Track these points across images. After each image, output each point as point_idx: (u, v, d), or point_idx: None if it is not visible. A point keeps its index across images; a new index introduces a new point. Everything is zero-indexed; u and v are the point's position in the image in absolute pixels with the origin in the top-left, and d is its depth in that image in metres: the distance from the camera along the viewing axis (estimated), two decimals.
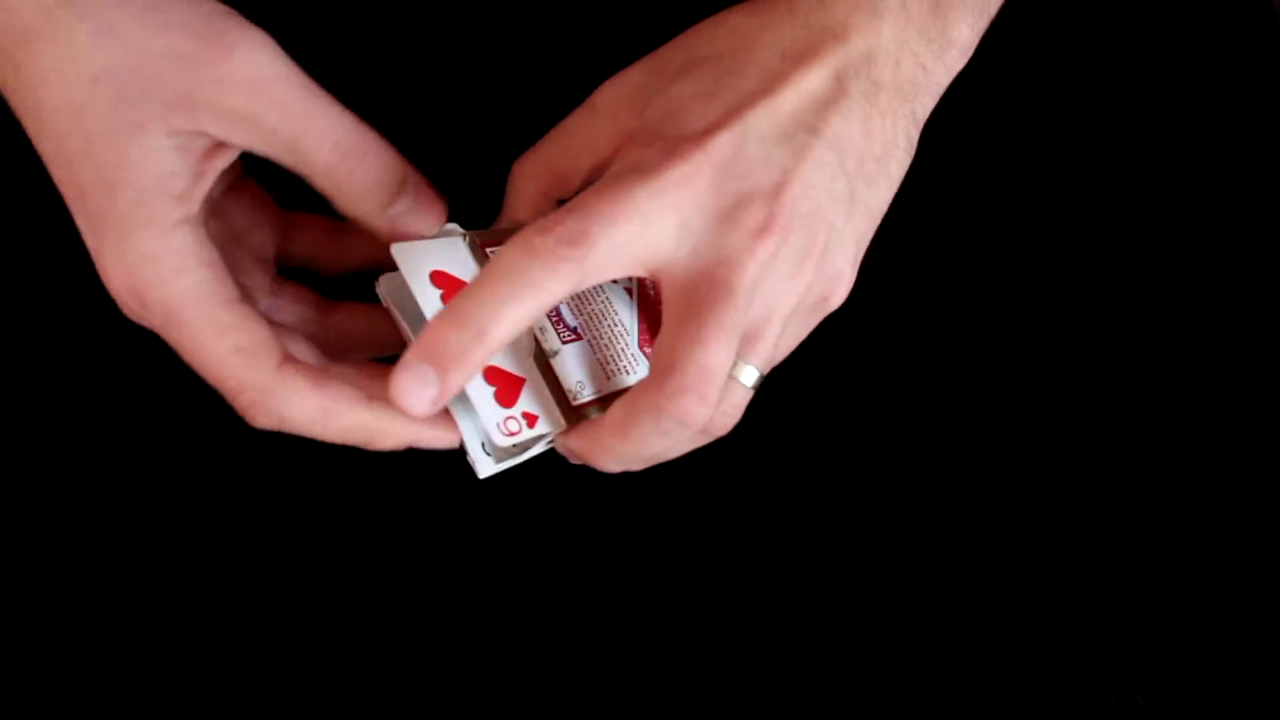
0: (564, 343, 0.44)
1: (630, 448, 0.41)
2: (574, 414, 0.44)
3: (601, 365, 0.46)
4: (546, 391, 0.43)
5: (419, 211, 0.42)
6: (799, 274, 0.41)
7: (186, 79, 0.38)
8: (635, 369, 0.46)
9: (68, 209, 0.40)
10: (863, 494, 0.52)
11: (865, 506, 0.52)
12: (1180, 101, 0.58)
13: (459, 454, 0.50)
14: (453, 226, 0.44)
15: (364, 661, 0.50)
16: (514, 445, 0.43)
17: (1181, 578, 0.52)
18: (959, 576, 0.52)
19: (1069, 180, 0.57)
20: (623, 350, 0.46)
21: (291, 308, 0.46)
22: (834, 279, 0.43)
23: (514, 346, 0.43)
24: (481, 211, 0.49)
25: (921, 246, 0.55)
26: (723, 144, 0.40)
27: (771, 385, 0.53)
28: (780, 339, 0.42)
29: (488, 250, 0.44)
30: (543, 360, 0.44)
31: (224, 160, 0.41)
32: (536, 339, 0.44)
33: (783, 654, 0.51)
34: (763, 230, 0.40)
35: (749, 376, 0.42)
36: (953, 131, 0.57)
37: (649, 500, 0.52)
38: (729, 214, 0.40)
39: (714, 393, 0.39)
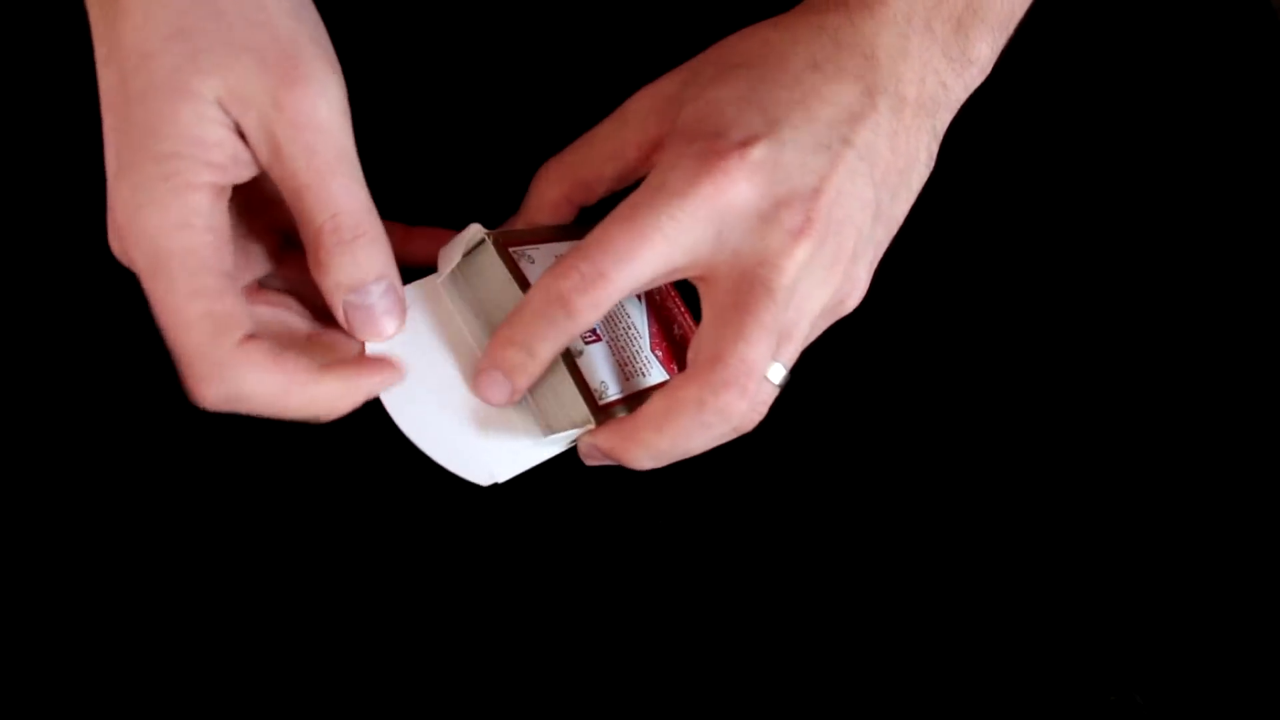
0: (586, 343, 0.45)
1: (668, 441, 0.43)
2: (601, 413, 0.44)
3: (620, 366, 0.46)
4: (575, 390, 0.44)
5: (373, 314, 0.42)
6: (830, 277, 0.43)
7: (250, 80, 0.39)
8: (650, 371, 0.46)
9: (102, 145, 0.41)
10: (863, 495, 0.52)
11: (866, 507, 0.52)
12: (1180, 101, 0.58)
13: None
14: (476, 227, 0.45)
15: (364, 661, 0.50)
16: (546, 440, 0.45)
17: (1181, 578, 0.52)
18: (959, 576, 0.52)
19: (1069, 180, 0.57)
20: (638, 352, 0.46)
21: (292, 273, 0.46)
22: (853, 283, 0.44)
23: None
24: (498, 210, 0.50)
25: (922, 247, 0.55)
26: (761, 153, 0.41)
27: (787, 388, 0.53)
28: (806, 340, 0.44)
29: (510, 249, 0.45)
30: (569, 360, 0.44)
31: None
32: None
33: (783, 654, 0.51)
34: (800, 232, 0.41)
35: (776, 374, 0.43)
36: (953, 131, 0.57)
37: (648, 500, 0.52)
38: (768, 216, 0.41)
39: (755, 387, 0.41)
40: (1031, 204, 0.56)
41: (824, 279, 0.43)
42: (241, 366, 0.39)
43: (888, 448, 0.53)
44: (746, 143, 0.41)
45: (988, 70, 0.46)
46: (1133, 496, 0.53)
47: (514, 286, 0.44)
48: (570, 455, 0.48)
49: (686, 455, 0.44)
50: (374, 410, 0.52)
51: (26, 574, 0.50)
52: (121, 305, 0.52)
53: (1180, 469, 0.53)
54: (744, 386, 0.41)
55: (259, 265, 0.45)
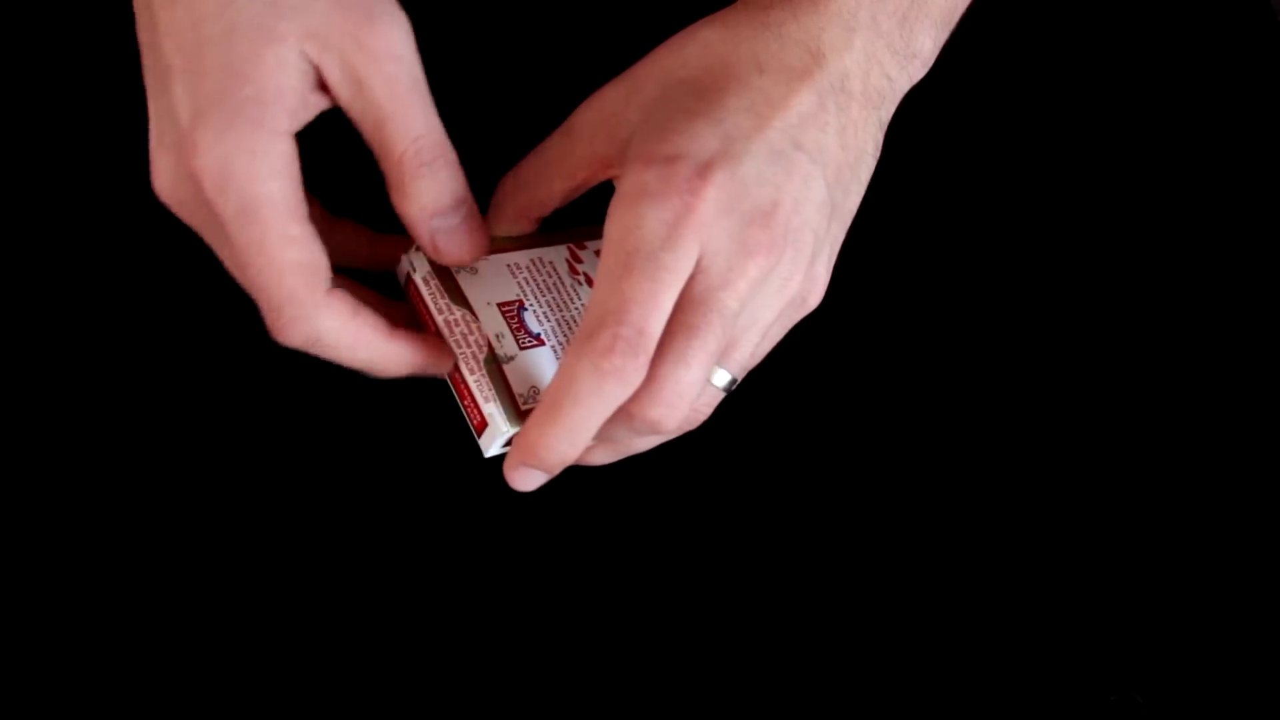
0: (522, 348, 0.46)
1: (605, 453, 0.44)
2: (521, 418, 0.45)
3: None
4: (502, 397, 0.44)
5: (458, 236, 0.44)
6: (786, 286, 0.43)
7: (330, 20, 0.40)
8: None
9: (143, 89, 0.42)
10: (862, 494, 0.52)
11: (865, 507, 0.52)
12: (1180, 101, 0.58)
13: (458, 450, 0.51)
14: (407, 257, 0.46)
15: (363, 660, 0.50)
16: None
17: (1181, 578, 0.52)
18: (958, 576, 0.52)
19: (1069, 179, 0.57)
20: None
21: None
22: (814, 282, 0.44)
23: (470, 355, 0.45)
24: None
25: (922, 247, 0.55)
26: (723, 176, 0.41)
27: (768, 386, 0.53)
28: (759, 346, 0.44)
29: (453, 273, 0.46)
30: (495, 366, 0.45)
31: (328, 102, 0.42)
32: (491, 346, 0.45)
33: (782, 654, 0.51)
34: (758, 251, 0.41)
35: (721, 379, 0.44)
36: (954, 131, 0.57)
37: (648, 499, 0.52)
38: (732, 233, 0.41)
39: (687, 406, 0.41)
40: (1032, 204, 0.56)
41: (780, 288, 0.43)
42: (325, 314, 0.41)
43: (887, 447, 0.53)
44: (708, 165, 0.41)
45: (929, 64, 0.46)
46: (1133, 496, 0.53)
47: (458, 297, 0.46)
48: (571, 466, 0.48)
49: (630, 453, 0.46)
50: (374, 410, 0.52)
51: (26, 574, 0.50)
52: (122, 304, 0.53)
53: (1180, 469, 0.53)
54: (676, 407, 0.41)
55: None
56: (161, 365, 0.52)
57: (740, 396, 0.52)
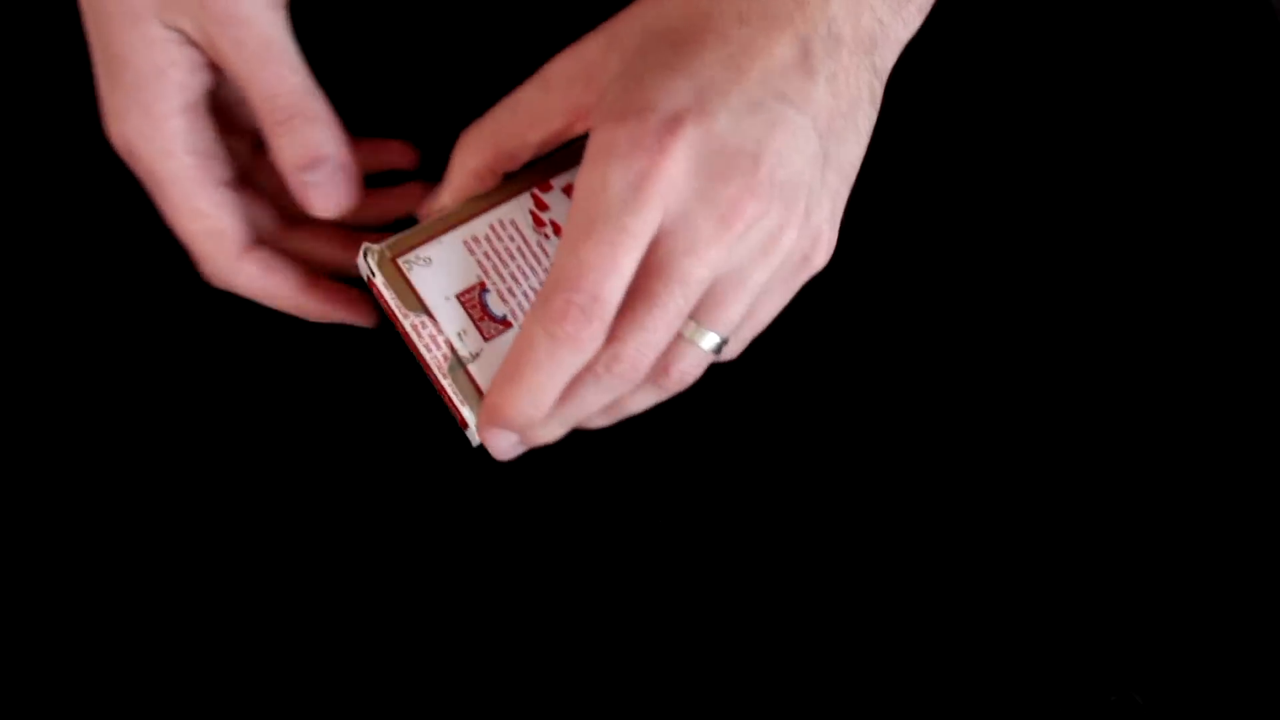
0: (487, 339, 0.45)
1: (574, 410, 0.43)
2: None
3: None
4: (474, 402, 0.44)
5: (325, 189, 0.45)
6: (775, 244, 0.41)
7: None
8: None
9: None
10: (863, 494, 0.52)
11: (865, 506, 0.52)
12: (1180, 101, 0.58)
13: (456, 446, 0.51)
14: (363, 249, 0.45)
15: (363, 658, 0.50)
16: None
17: (1181, 578, 0.52)
18: (958, 576, 0.52)
19: (1070, 179, 0.57)
20: None
21: (267, 173, 0.48)
22: (814, 239, 0.43)
23: (436, 362, 0.44)
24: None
25: (924, 247, 0.55)
26: (698, 129, 0.40)
27: (768, 382, 0.53)
28: (758, 308, 0.43)
29: (399, 261, 0.45)
30: (460, 371, 0.44)
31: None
32: (453, 348, 0.44)
33: (782, 654, 0.51)
34: (734, 212, 0.40)
35: (708, 341, 0.42)
36: (954, 131, 0.57)
37: (647, 498, 0.52)
38: (704, 194, 0.40)
39: (647, 364, 0.41)
40: (1032, 204, 0.56)
41: (766, 246, 0.41)
42: (238, 274, 0.46)
43: (888, 447, 0.53)
44: (677, 119, 0.39)
45: (926, 10, 0.45)
46: (1133, 496, 0.53)
47: (411, 301, 0.45)
48: (568, 457, 0.49)
49: (620, 414, 0.45)
50: (375, 409, 0.52)
51: (26, 574, 0.50)
52: (121, 303, 0.53)
53: (1180, 469, 0.53)
54: (636, 365, 0.41)
55: (241, 159, 0.48)
56: (161, 362, 0.52)
57: (740, 393, 0.52)
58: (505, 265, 0.46)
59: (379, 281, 0.44)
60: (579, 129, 0.43)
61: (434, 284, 0.45)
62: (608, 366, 0.41)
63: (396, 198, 0.50)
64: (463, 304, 0.45)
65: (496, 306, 0.45)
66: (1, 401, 0.51)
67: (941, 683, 0.51)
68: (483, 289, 0.45)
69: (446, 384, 0.44)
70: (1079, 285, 0.55)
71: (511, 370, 0.41)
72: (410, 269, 0.44)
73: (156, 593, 0.50)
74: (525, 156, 0.45)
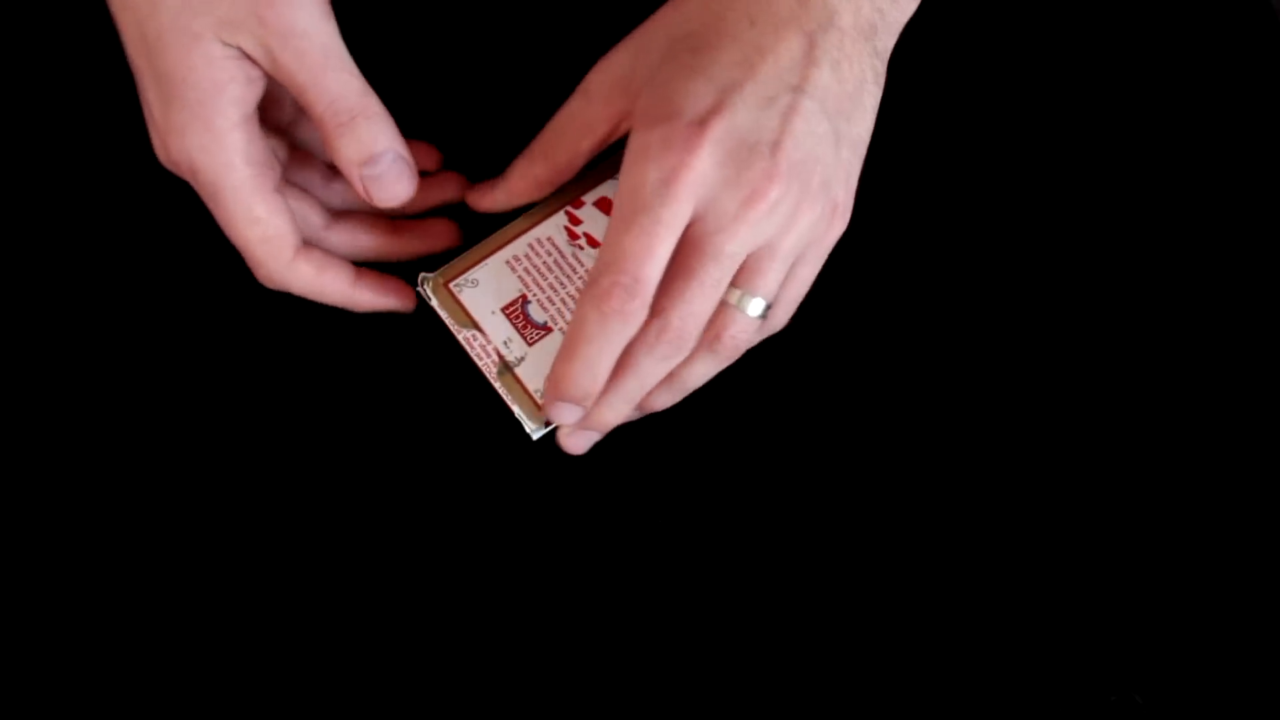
0: (531, 344, 0.50)
1: (635, 381, 0.48)
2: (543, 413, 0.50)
3: None
4: (522, 400, 0.50)
5: (385, 182, 0.48)
6: (798, 214, 0.46)
7: (236, 7, 0.45)
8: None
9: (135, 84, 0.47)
10: (863, 493, 0.52)
11: (865, 506, 0.52)
12: (1180, 101, 0.58)
13: (462, 446, 0.51)
14: (421, 279, 0.51)
15: (363, 657, 0.50)
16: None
17: (1181, 578, 0.52)
18: (958, 576, 0.52)
19: (1070, 179, 0.57)
20: None
21: (304, 172, 0.52)
22: (833, 208, 0.48)
23: (488, 368, 0.50)
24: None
25: (924, 248, 0.55)
26: (718, 128, 0.45)
27: (769, 383, 0.53)
28: (795, 274, 0.48)
29: (450, 285, 0.50)
30: (508, 374, 0.50)
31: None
32: (501, 355, 0.49)
33: (782, 654, 0.51)
34: (758, 192, 0.45)
35: (755, 308, 0.47)
36: (954, 131, 0.57)
37: (648, 497, 0.52)
38: (730, 181, 0.45)
39: (695, 331, 0.46)
40: (1033, 204, 0.56)
41: (790, 217, 0.46)
42: (291, 275, 0.49)
43: (888, 447, 0.53)
44: (703, 120, 0.45)
45: None
46: (1133, 496, 0.53)
47: (462, 318, 0.50)
48: (564, 454, 0.50)
49: (684, 389, 0.50)
50: (374, 409, 0.52)
51: (26, 574, 0.50)
52: (121, 302, 0.53)
53: (1180, 469, 0.53)
54: (683, 333, 0.46)
55: (282, 155, 0.51)
56: (163, 359, 0.52)
57: (740, 392, 0.52)
58: (544, 277, 0.51)
59: (435, 303, 0.50)
60: (623, 130, 0.48)
61: (481, 301, 0.50)
62: (659, 335, 0.46)
63: (436, 187, 0.53)
64: (507, 316, 0.50)
65: (538, 314, 0.50)
66: (31, 398, 0.51)
67: (941, 683, 0.51)
68: (525, 300, 0.51)
69: (498, 386, 0.50)
70: (1079, 284, 0.55)
71: (569, 346, 0.46)
72: (460, 291, 0.51)
73: (158, 593, 0.50)
74: (579, 164, 0.50)
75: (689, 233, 0.46)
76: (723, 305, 0.47)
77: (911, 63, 0.54)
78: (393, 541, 0.51)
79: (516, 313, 0.50)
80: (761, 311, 0.47)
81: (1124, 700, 0.51)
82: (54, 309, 0.52)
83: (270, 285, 0.49)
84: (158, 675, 0.49)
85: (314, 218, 0.51)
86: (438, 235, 0.53)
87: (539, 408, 0.49)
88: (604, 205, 0.52)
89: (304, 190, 0.51)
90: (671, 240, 0.45)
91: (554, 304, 0.50)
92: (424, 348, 0.52)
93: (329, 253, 0.50)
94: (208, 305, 0.53)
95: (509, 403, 0.50)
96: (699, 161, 0.44)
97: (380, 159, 0.47)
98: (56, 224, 0.53)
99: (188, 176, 0.47)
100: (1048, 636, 0.51)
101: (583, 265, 0.51)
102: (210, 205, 0.47)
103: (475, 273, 0.51)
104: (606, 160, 0.51)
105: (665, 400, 0.50)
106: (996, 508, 0.52)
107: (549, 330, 0.50)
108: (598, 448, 0.50)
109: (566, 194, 0.52)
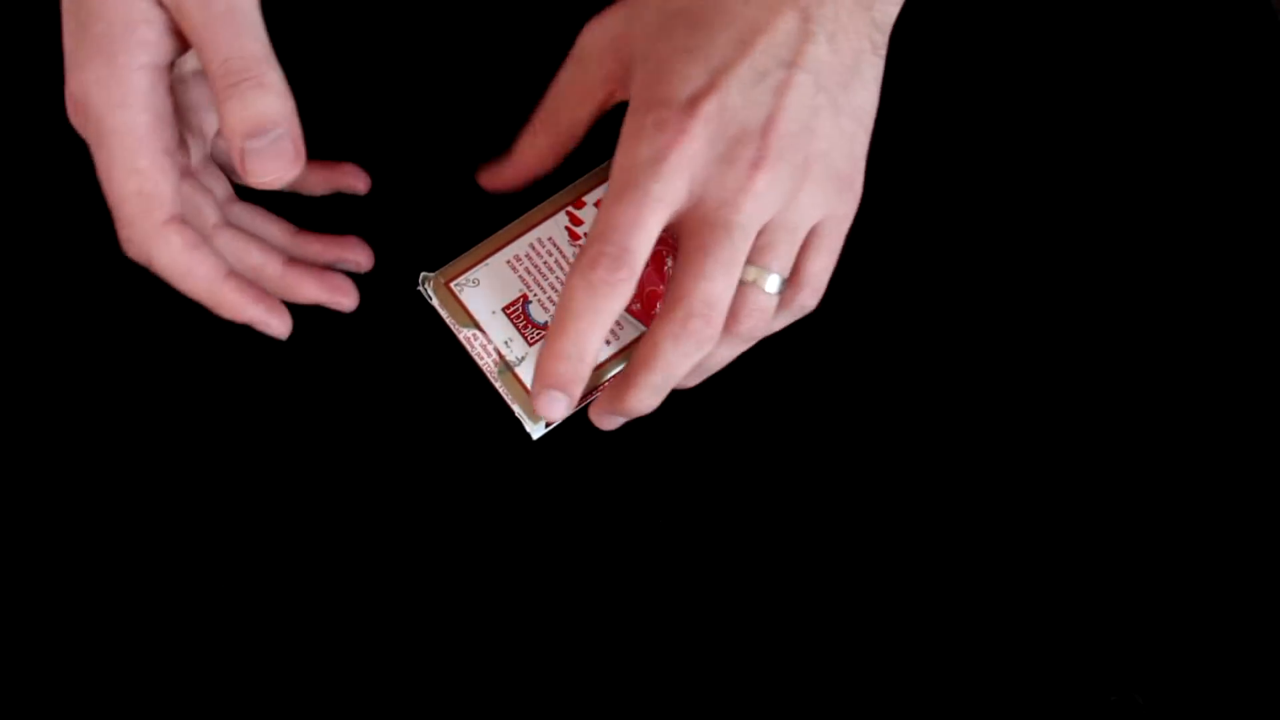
0: (531, 344, 0.50)
1: (661, 374, 0.46)
2: None
3: None
4: (523, 400, 0.49)
5: (264, 158, 0.44)
6: (801, 186, 0.46)
7: None
8: (621, 333, 0.50)
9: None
10: (863, 493, 0.52)
11: (866, 505, 0.52)
12: (1180, 101, 0.58)
13: (462, 446, 0.51)
14: (421, 278, 0.50)
15: (363, 657, 0.50)
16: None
17: (1181, 578, 0.52)
18: (958, 576, 0.52)
19: (1070, 179, 0.57)
20: None
21: (218, 183, 0.51)
22: (837, 178, 0.47)
23: (489, 368, 0.50)
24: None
25: (924, 248, 0.55)
26: (712, 107, 0.45)
27: (769, 383, 0.53)
28: (817, 252, 0.47)
29: (451, 285, 0.50)
30: (509, 374, 0.49)
31: None
32: (501, 354, 0.49)
33: (782, 654, 0.51)
34: (755, 165, 0.45)
35: (772, 284, 0.47)
36: (954, 131, 0.57)
37: (647, 497, 0.52)
38: (725, 157, 0.45)
39: (719, 315, 0.45)
40: (1033, 204, 0.56)
41: (793, 190, 0.46)
42: (158, 244, 0.45)
43: (888, 447, 0.53)
44: (695, 100, 0.45)
45: None
46: (1133, 496, 0.53)
47: (463, 317, 0.50)
48: (564, 454, 0.51)
49: (705, 373, 0.49)
50: (374, 408, 0.52)
51: (26, 574, 0.50)
52: (121, 303, 0.52)
53: (1180, 469, 0.53)
54: (707, 317, 0.45)
55: (195, 154, 0.49)
56: (163, 359, 0.52)
57: (740, 392, 0.52)
58: (545, 277, 0.51)
59: (436, 303, 0.50)
60: (619, 97, 0.48)
61: (482, 301, 0.50)
62: (683, 324, 0.45)
63: (334, 172, 0.52)
64: (508, 316, 0.50)
65: (538, 314, 0.50)
66: (31, 398, 0.51)
67: (941, 683, 0.51)
68: (525, 300, 0.50)
69: (498, 386, 0.50)
70: (1078, 284, 0.55)
71: (556, 321, 0.45)
72: (461, 290, 0.50)
73: (157, 591, 0.50)
74: (580, 132, 0.50)
75: (695, 213, 0.45)
76: (740, 285, 0.46)
77: (911, 62, 0.54)
78: (393, 541, 0.51)
79: (517, 312, 0.50)
80: (778, 287, 0.47)
81: (1124, 700, 0.51)
82: (54, 309, 0.52)
83: (133, 254, 0.46)
84: (158, 675, 0.49)
85: (208, 211, 0.48)
86: (330, 284, 0.50)
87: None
88: None
89: (208, 191, 0.49)
90: (661, 215, 0.45)
91: (555, 304, 0.50)
92: (424, 348, 0.52)
93: (208, 242, 0.47)
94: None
95: (509, 403, 0.49)
96: (690, 140, 0.44)
97: (264, 132, 0.44)
98: (56, 224, 0.53)
99: (80, 121, 0.44)
100: (1048, 636, 0.51)
101: None
102: (94, 150, 0.45)
103: (476, 272, 0.50)
104: (608, 161, 0.51)
105: (690, 381, 0.50)
106: (997, 507, 0.52)
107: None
108: (598, 448, 0.50)
109: (566, 195, 0.52)
